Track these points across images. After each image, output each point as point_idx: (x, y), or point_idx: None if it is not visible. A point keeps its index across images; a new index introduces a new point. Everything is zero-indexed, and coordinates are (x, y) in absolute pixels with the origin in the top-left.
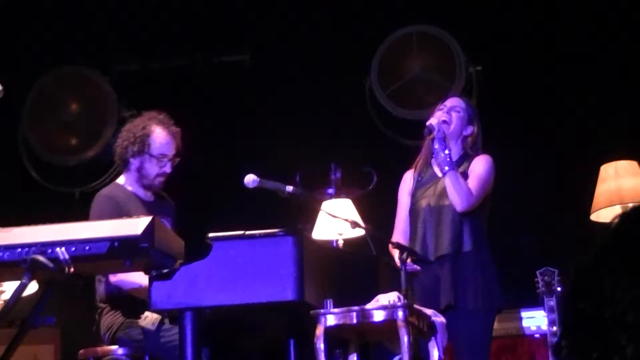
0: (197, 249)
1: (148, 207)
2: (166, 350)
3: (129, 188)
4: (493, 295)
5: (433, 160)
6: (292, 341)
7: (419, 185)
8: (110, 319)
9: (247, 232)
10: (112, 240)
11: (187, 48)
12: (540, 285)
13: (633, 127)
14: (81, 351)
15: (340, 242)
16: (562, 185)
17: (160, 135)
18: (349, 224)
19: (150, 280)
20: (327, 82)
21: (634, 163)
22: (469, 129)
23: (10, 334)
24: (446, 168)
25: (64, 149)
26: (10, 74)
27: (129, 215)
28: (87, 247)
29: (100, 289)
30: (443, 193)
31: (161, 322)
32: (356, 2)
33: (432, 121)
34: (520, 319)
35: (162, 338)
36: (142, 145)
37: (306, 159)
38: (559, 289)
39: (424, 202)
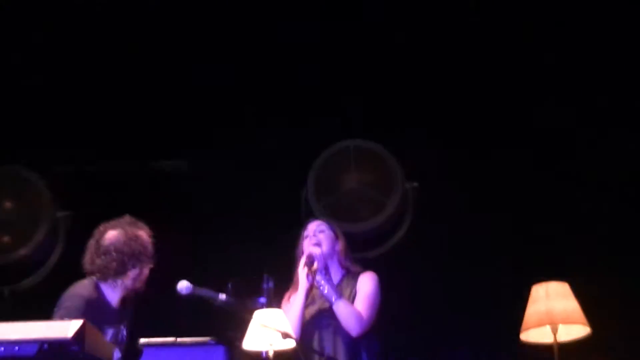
0: (129, 355)
1: (115, 315)
2: None
3: (105, 294)
4: None
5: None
6: None
7: (308, 305)
8: None
9: (179, 340)
10: (41, 342)
11: (126, 152)
12: None
13: (564, 249)
14: None
15: (271, 353)
16: (495, 303)
17: (148, 238)
18: (280, 335)
19: None
20: (263, 191)
21: (565, 285)
22: (338, 244)
23: None
24: (333, 298)
25: None
26: None
27: (96, 321)
28: (16, 348)
29: None
30: (334, 315)
31: None
32: (297, 113)
33: (313, 250)
34: None
35: None
36: (144, 253)
37: (239, 268)
38: None
39: (316, 321)
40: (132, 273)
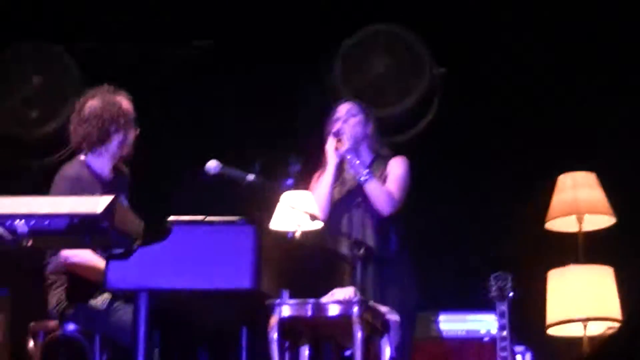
0: (157, 232)
1: (109, 187)
2: (116, 329)
3: (94, 167)
4: (410, 296)
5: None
6: (244, 330)
7: (337, 186)
8: (60, 293)
9: (207, 218)
10: (71, 217)
11: (153, 31)
12: (493, 289)
13: (593, 140)
14: (32, 324)
15: (298, 234)
16: (520, 191)
17: (128, 103)
18: (308, 217)
19: (108, 259)
20: (290, 74)
21: (592, 175)
22: (368, 128)
23: None
24: (364, 177)
25: (24, 122)
26: None
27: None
28: (46, 222)
29: (54, 261)
30: (363, 193)
31: (111, 302)
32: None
33: (342, 128)
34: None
35: (112, 317)
36: (126, 119)
37: (267, 150)
38: (511, 294)
39: (345, 201)
40: (116, 138)
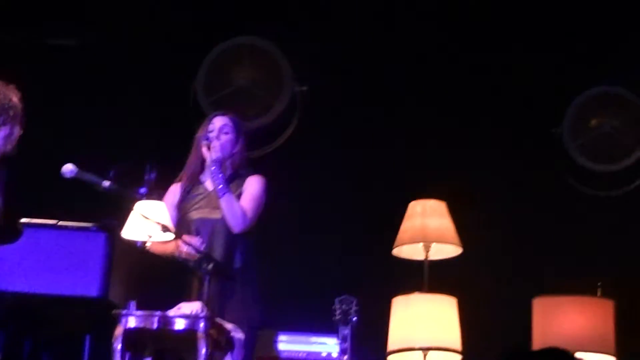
0: (7, 233)
1: None
2: None
3: None
4: (252, 312)
5: (203, 175)
6: (88, 337)
7: (187, 197)
8: None
9: (60, 223)
10: None
11: (16, 22)
12: (337, 312)
13: (443, 168)
14: None
15: (148, 244)
16: (370, 216)
17: (18, 98)
18: (159, 227)
19: None
20: (153, 80)
21: (442, 203)
22: (237, 146)
23: None
24: (224, 191)
25: None
26: None
27: None
28: None
29: None
30: (215, 206)
31: None
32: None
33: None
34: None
35: None
36: (14, 111)
37: (123, 156)
38: (354, 318)
39: (195, 214)
40: (2, 130)
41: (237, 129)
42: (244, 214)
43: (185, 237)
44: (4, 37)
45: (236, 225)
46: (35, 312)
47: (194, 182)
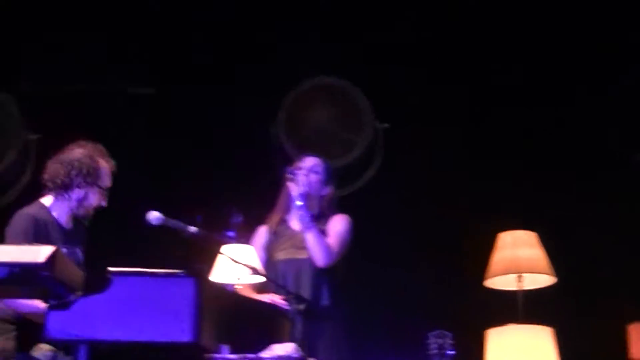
0: (97, 282)
1: (67, 235)
2: None
3: (54, 213)
4: (342, 350)
5: (289, 216)
6: None
7: (274, 239)
8: (2, 343)
9: (149, 270)
10: (12, 265)
11: (99, 74)
12: (432, 347)
13: (533, 199)
14: None
15: (239, 288)
16: (461, 249)
17: (105, 168)
18: (248, 270)
19: (47, 310)
20: (235, 126)
21: (532, 234)
22: (326, 190)
23: None
24: (309, 225)
25: None
26: None
27: (49, 241)
28: None
29: None
30: (301, 246)
31: (55, 355)
32: (268, 49)
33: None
34: None
35: None
36: (93, 176)
37: (209, 202)
38: (450, 352)
39: (281, 255)
40: (76, 192)
41: (327, 171)
42: (328, 248)
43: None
44: (89, 87)
45: (321, 259)
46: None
47: (280, 224)
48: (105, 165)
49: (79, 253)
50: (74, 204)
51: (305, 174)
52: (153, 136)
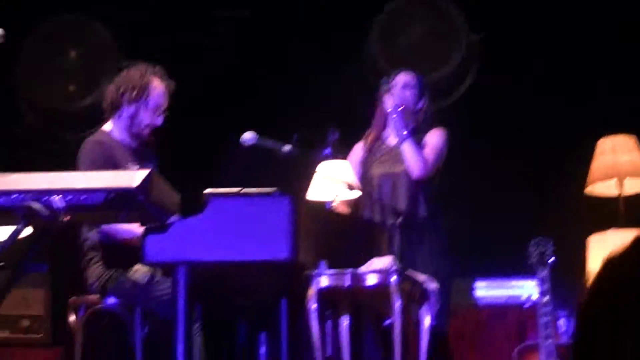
0: (193, 205)
1: (134, 155)
2: (158, 304)
3: (116, 135)
4: (441, 263)
5: (385, 132)
6: (284, 301)
7: (370, 154)
8: (100, 268)
9: (244, 190)
10: (108, 191)
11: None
12: (533, 255)
13: (632, 103)
14: (72, 298)
15: (335, 204)
16: (559, 156)
17: (158, 87)
18: (345, 186)
19: (144, 233)
20: (328, 43)
21: (632, 138)
22: (420, 104)
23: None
24: (405, 135)
25: (63, 95)
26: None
27: (116, 161)
28: (83, 197)
29: (91, 236)
30: (397, 160)
31: (152, 276)
32: None
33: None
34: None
35: (153, 292)
36: (141, 93)
37: (304, 120)
38: (552, 259)
39: (377, 169)
40: (126, 110)
41: (421, 85)
42: (424, 160)
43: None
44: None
45: (416, 170)
46: (228, 281)
47: (377, 140)
48: (159, 85)
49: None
50: (127, 122)
51: (400, 89)
52: (247, 58)
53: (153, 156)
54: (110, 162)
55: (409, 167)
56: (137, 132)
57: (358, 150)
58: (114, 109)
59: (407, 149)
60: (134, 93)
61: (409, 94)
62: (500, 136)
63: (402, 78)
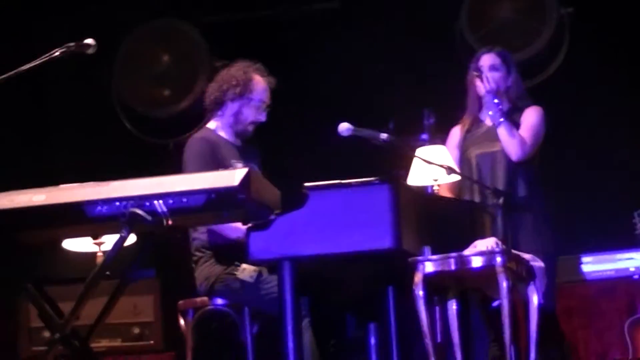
0: (294, 199)
1: (239, 152)
2: (265, 302)
3: (221, 133)
4: (545, 240)
5: (481, 114)
6: (391, 290)
7: (467, 136)
8: (207, 269)
9: (343, 181)
10: (209, 192)
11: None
12: (638, 226)
13: None
14: (180, 302)
15: (436, 189)
16: None
17: (260, 83)
18: (444, 170)
19: (248, 232)
20: (417, 27)
21: None
22: (509, 80)
23: (111, 285)
24: (500, 119)
25: (158, 101)
26: (103, 28)
27: (222, 158)
28: (184, 200)
29: (199, 237)
30: (495, 139)
31: (259, 274)
32: None
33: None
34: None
35: (261, 290)
36: (244, 89)
37: (399, 107)
38: None
39: (475, 150)
40: (229, 107)
41: (507, 63)
42: (522, 141)
43: None
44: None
45: (515, 152)
46: (333, 274)
47: (474, 122)
48: (261, 80)
49: (255, 169)
50: (230, 119)
51: (487, 72)
52: (339, 48)
53: (256, 153)
54: (216, 159)
55: (507, 149)
56: (241, 129)
57: (456, 133)
58: (217, 106)
59: (504, 133)
60: (237, 90)
61: (497, 75)
62: (597, 111)
63: (487, 60)
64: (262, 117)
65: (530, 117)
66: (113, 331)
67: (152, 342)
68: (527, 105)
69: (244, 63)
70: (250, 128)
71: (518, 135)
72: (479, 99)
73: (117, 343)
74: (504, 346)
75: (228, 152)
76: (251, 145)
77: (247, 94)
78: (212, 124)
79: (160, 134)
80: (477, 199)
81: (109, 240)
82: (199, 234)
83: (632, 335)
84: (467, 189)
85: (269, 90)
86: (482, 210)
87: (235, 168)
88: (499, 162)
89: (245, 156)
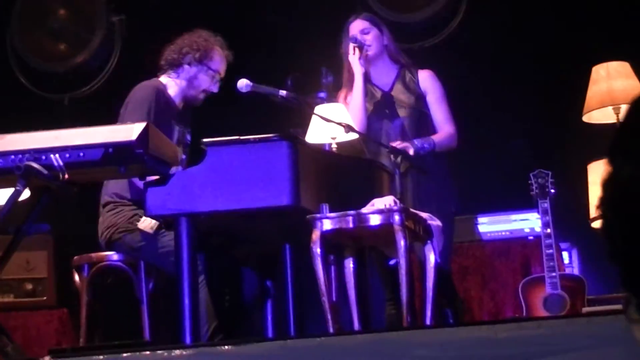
0: (192, 155)
1: (179, 116)
2: (161, 255)
3: (170, 91)
4: (443, 200)
5: (373, 78)
6: (287, 246)
7: (366, 98)
8: (110, 218)
9: (242, 137)
10: (106, 146)
11: None
12: (534, 187)
13: (625, 29)
14: (75, 257)
15: (334, 147)
16: (554, 87)
17: (220, 54)
18: (342, 128)
19: (145, 187)
20: None
21: (626, 64)
22: (385, 39)
23: (4, 240)
24: (425, 149)
25: (53, 55)
26: None
27: (165, 114)
28: (81, 154)
29: (114, 185)
30: (394, 104)
31: (159, 228)
32: None
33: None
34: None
35: (158, 243)
36: (204, 56)
37: (297, 64)
38: (552, 190)
39: (375, 113)
40: (186, 71)
41: (375, 24)
42: (452, 136)
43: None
44: None
45: (452, 148)
46: (231, 229)
47: (367, 89)
48: (221, 52)
49: (188, 136)
50: (184, 83)
51: (360, 36)
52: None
53: (188, 122)
54: (159, 112)
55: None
56: (193, 95)
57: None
58: (172, 67)
59: (439, 149)
60: (197, 55)
61: (371, 36)
62: (492, 70)
63: (357, 27)
64: (215, 88)
65: (434, 90)
66: (5, 287)
67: (45, 298)
68: (412, 64)
69: (206, 32)
70: (202, 96)
71: (446, 135)
72: (353, 68)
73: (10, 299)
74: (401, 305)
75: (170, 111)
76: (188, 109)
77: (206, 61)
78: (163, 79)
79: (56, 89)
80: (378, 158)
81: (3, 195)
82: (112, 185)
83: (525, 296)
84: (369, 148)
85: (226, 64)
86: (380, 168)
87: (175, 130)
88: (403, 126)
89: (183, 120)
